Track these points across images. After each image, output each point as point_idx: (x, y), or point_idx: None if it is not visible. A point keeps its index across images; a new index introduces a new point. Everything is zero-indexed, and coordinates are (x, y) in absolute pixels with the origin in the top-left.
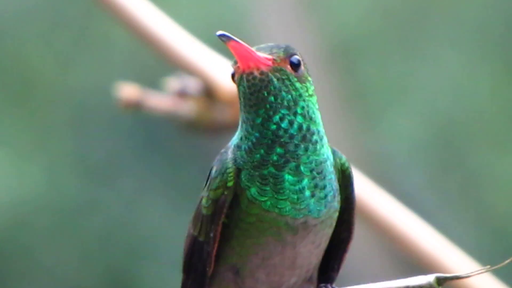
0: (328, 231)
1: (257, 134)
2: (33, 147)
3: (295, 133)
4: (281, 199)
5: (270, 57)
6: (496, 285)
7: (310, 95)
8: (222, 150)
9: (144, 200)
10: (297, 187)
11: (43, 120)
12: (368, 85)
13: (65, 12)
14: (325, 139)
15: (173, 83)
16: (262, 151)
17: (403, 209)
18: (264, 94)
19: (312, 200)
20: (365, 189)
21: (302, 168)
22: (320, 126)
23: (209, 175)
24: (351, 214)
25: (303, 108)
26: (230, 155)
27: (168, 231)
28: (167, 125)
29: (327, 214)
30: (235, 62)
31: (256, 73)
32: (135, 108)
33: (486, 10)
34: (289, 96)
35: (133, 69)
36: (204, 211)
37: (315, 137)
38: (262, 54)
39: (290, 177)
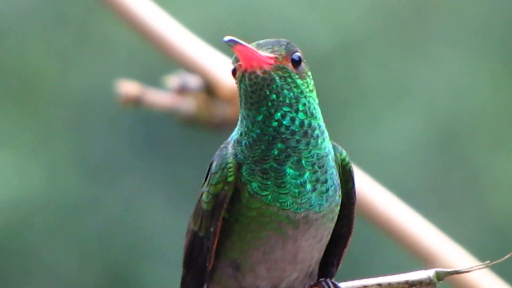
0: (330, 225)
1: (258, 131)
2: (34, 146)
3: (296, 130)
4: (283, 193)
5: (272, 55)
6: (495, 281)
7: (311, 91)
8: (222, 145)
9: (144, 199)
10: (298, 181)
11: (43, 119)
12: (368, 84)
13: (66, 11)
14: (326, 134)
15: (173, 80)
16: (263, 146)
17: (403, 206)
18: (266, 93)
19: (314, 194)
20: (366, 187)
21: (303, 162)
22: (320, 120)
23: (209, 170)
24: (351, 209)
25: (304, 104)
26: (230, 150)
27: (168, 229)
28: (167, 124)
29: (329, 208)
30: (236, 60)
31: (258, 72)
32: (135, 105)
33: (486, 10)
34: (291, 93)
35: (134, 68)
36: (204, 206)
37: (316, 132)
38: (264, 53)
39: (291, 171)
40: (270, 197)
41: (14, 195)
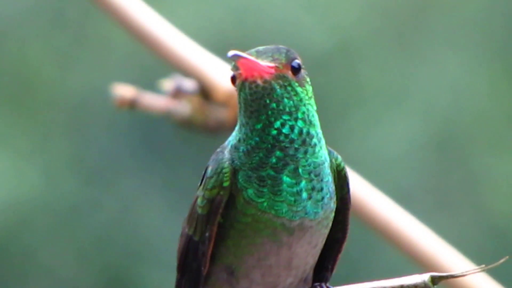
0: (325, 232)
1: (256, 139)
2: (31, 147)
3: (295, 138)
4: (278, 201)
5: (272, 64)
6: (491, 285)
7: (310, 98)
8: (218, 150)
9: (142, 201)
10: (294, 189)
11: (41, 121)
12: (367, 86)
13: (63, 13)
14: (322, 141)
15: (168, 83)
16: (261, 154)
17: (400, 210)
18: (266, 101)
19: (309, 202)
20: (362, 190)
21: (300, 170)
22: (318, 128)
23: (204, 174)
24: (345, 214)
25: (303, 112)
26: (226, 155)
27: (165, 231)
28: (164, 126)
29: (324, 215)
30: (236, 67)
31: (259, 81)
32: (130, 108)
33: (485, 11)
34: (291, 102)
35: (131, 71)
36: (199, 211)
37: (314, 140)
38: (264, 63)
39: (288, 179)
40: (265, 204)
41: (12, 197)
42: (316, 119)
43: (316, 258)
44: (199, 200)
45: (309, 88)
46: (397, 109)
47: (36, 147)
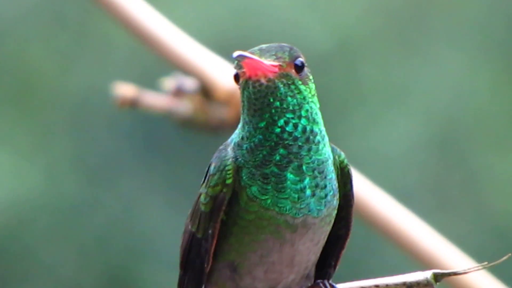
0: (327, 229)
1: (260, 137)
2: (32, 147)
3: (299, 136)
4: (282, 198)
5: (276, 63)
6: (493, 282)
7: (313, 95)
8: (221, 147)
9: (143, 200)
10: (298, 186)
11: (42, 120)
12: (367, 85)
13: (64, 13)
14: (326, 139)
15: (169, 82)
16: (265, 152)
17: (401, 208)
18: (270, 100)
19: (313, 199)
20: (364, 188)
21: (304, 167)
22: (322, 125)
23: (207, 172)
24: (349, 211)
25: (307, 110)
26: (230, 152)
27: (167, 230)
28: (166, 125)
29: (327, 212)
30: (239, 66)
31: (263, 80)
32: (131, 107)
33: (486, 10)
34: (294, 100)
35: (133, 70)
36: (202, 208)
37: (317, 138)
38: (268, 61)
39: (292, 176)
40: (269, 201)
41: (13, 196)
42: (319, 117)
43: (318, 255)
44: (202, 198)
45: (312, 86)
46: (398, 108)
47: (37, 146)
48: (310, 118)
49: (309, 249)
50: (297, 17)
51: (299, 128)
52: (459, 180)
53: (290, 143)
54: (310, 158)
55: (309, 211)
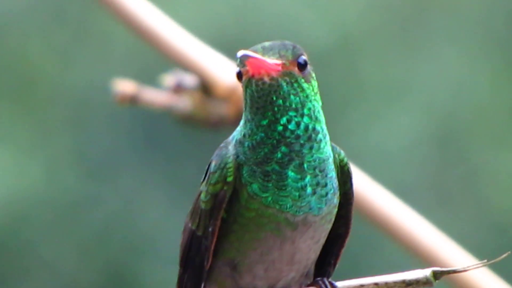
0: (327, 227)
1: (262, 134)
2: (33, 143)
3: (301, 134)
4: (283, 196)
5: (279, 62)
6: (493, 280)
7: (316, 93)
8: (222, 145)
9: (143, 196)
10: (299, 184)
11: (42, 116)
12: (368, 81)
13: (64, 9)
14: (327, 137)
15: (169, 79)
16: (266, 149)
17: (401, 205)
18: (273, 98)
19: (313, 197)
20: (364, 185)
21: (305, 166)
22: (323, 123)
23: (207, 169)
24: (349, 209)
25: (309, 109)
26: (231, 150)
27: (167, 226)
28: (166, 121)
29: (327, 210)
30: (242, 64)
31: (266, 79)
32: (131, 103)
33: (486, 7)
34: (297, 98)
35: (132, 67)
36: (202, 206)
37: (319, 136)
38: (271, 60)
39: (293, 174)
40: (270, 199)
41: (13, 192)
42: (321, 115)
43: (318, 253)
44: (202, 195)
45: (315, 83)
46: (398, 104)
47: (37, 142)
48: (313, 116)
49: (310, 247)
50: (297, 14)
51: (302, 126)
52: (459, 176)
53: (292, 141)
54: (312, 156)
55: (309, 209)
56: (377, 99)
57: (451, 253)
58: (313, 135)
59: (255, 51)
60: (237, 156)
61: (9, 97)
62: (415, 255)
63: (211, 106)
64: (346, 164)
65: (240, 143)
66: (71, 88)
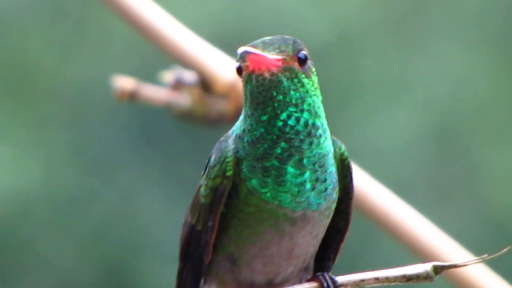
0: (326, 222)
1: (262, 130)
2: (31, 139)
3: (301, 129)
4: (282, 192)
5: (279, 57)
6: (491, 275)
7: (316, 88)
8: (221, 139)
9: (141, 192)
10: (298, 180)
11: (41, 112)
12: (366, 77)
13: (63, 5)
14: (327, 132)
15: (169, 75)
16: (266, 145)
17: (400, 201)
18: (273, 94)
19: (313, 193)
20: (362, 181)
21: (305, 161)
22: (323, 118)
23: (207, 164)
24: (348, 204)
25: (309, 104)
26: (230, 144)
27: (165, 222)
28: (164, 118)
29: (326, 205)
30: (242, 59)
31: (266, 74)
32: (130, 100)
33: (485, 3)
34: (297, 94)
35: (132, 63)
36: (202, 200)
37: (319, 131)
38: (272, 55)
39: (292, 169)
40: (269, 194)
41: (11, 189)
42: (321, 110)
43: (317, 248)
44: (202, 189)
45: (315, 78)
46: (397, 101)
47: (36, 138)
48: (312, 111)
49: (308, 242)
50: (296, 9)
51: (301, 122)
52: (458, 173)
53: (292, 137)
54: (311, 151)
55: (308, 204)
56: (376, 95)
57: (449, 249)
58: (313, 131)
59: (255, 46)
60: (237, 151)
61: (7, 93)
62: (413, 251)
63: (211, 103)
64: (346, 158)
65: (240, 138)
66: (70, 84)
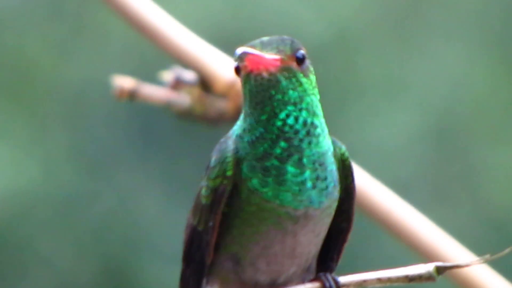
0: (328, 220)
1: (261, 129)
2: (30, 139)
3: (300, 128)
4: (283, 191)
5: (278, 57)
6: (492, 275)
7: (314, 87)
8: (222, 139)
9: (141, 192)
10: (299, 179)
11: (40, 112)
12: (365, 77)
13: (62, 4)
14: (326, 130)
15: (168, 74)
16: (266, 145)
17: (400, 200)
18: (271, 93)
19: (314, 191)
20: (363, 181)
21: (305, 160)
22: (322, 117)
23: (208, 165)
24: (350, 204)
25: (308, 103)
26: (230, 145)
27: (164, 222)
28: (164, 117)
29: (328, 203)
30: (240, 59)
31: (264, 74)
32: (130, 99)
33: (483, 2)
34: (296, 93)
35: (131, 62)
36: (203, 201)
37: (318, 130)
38: (270, 55)
39: (292, 169)
40: (270, 193)
41: (10, 188)
42: (319, 109)
43: (319, 247)
44: (203, 190)
45: (313, 78)
46: (396, 100)
47: (35, 138)
48: (311, 110)
49: (310, 241)
50: (294, 9)
51: (300, 121)
52: (457, 172)
53: (291, 136)
54: (311, 150)
55: (310, 202)
56: (375, 95)
57: (449, 248)
58: (312, 130)
59: (254, 46)
60: (237, 151)
61: (6, 92)
62: (414, 250)
63: (210, 102)
64: (347, 158)
65: (240, 138)
66: (69, 83)
